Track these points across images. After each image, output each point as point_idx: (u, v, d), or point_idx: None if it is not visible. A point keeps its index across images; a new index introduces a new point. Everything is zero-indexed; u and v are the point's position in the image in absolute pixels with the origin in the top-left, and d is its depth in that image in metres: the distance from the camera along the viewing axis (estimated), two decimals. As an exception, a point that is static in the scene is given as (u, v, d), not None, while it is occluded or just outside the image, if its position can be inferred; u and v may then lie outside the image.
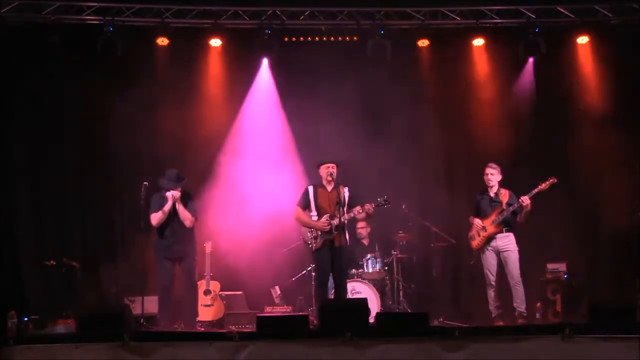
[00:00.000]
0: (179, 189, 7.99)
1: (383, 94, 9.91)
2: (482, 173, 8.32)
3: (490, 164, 8.26)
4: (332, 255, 7.71)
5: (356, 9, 9.61)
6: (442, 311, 8.85)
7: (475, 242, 8.18)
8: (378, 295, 8.71)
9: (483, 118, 9.94)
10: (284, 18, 9.59)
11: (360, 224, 9.38)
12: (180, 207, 7.94)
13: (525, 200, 7.85)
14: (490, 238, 8.07)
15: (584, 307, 6.66)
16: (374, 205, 7.77)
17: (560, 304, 8.95)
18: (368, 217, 8.16)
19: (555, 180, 7.94)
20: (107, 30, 9.13)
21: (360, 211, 7.78)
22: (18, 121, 9.46)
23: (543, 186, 7.93)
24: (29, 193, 9.44)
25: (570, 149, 9.70)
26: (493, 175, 8.18)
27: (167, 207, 7.92)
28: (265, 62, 9.88)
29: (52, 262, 8.63)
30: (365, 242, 9.50)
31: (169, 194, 7.95)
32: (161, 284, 7.93)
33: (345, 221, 7.66)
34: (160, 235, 7.99)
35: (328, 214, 7.79)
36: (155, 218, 7.94)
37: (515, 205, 7.94)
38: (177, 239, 7.94)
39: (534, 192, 7.91)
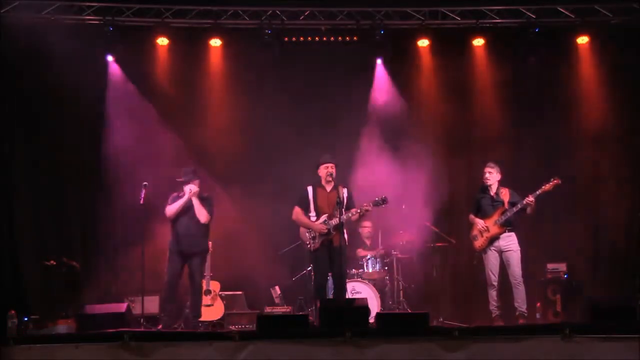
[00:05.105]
0: (197, 182, 7.97)
1: (382, 94, 9.93)
2: (482, 173, 8.32)
3: (489, 164, 8.26)
4: (331, 256, 7.70)
5: (356, 9, 9.62)
6: (442, 311, 8.85)
7: (479, 243, 8.16)
8: (378, 295, 8.72)
9: (483, 118, 9.95)
10: (284, 18, 9.60)
11: (365, 224, 9.40)
12: (196, 203, 7.90)
13: (530, 200, 7.86)
14: (493, 238, 8.06)
15: (584, 307, 6.65)
16: (371, 204, 7.78)
17: (560, 304, 8.95)
18: (364, 215, 8.09)
19: (559, 182, 7.95)
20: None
21: (358, 211, 7.78)
22: (18, 121, 9.46)
23: (547, 187, 7.93)
24: (29, 193, 9.43)
25: (570, 149, 9.71)
26: (492, 175, 8.18)
27: (184, 199, 7.88)
28: (266, 62, 9.88)
29: (52, 262, 8.62)
30: (368, 242, 9.51)
31: (187, 188, 7.92)
32: (166, 281, 7.86)
33: (344, 221, 7.65)
34: (174, 230, 7.94)
35: (326, 215, 7.78)
36: (170, 210, 7.90)
37: (519, 205, 7.94)
38: (190, 233, 7.89)
39: (538, 192, 7.90)
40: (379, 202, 7.81)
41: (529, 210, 7.97)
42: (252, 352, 5.93)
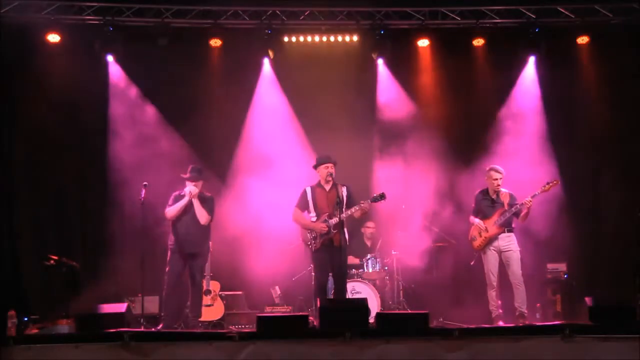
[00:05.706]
0: (198, 183, 7.97)
1: (383, 93, 9.94)
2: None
3: (497, 167, 8.21)
4: (332, 255, 7.69)
5: (356, 9, 9.62)
6: (442, 311, 8.84)
7: (477, 243, 8.17)
8: (378, 295, 8.72)
9: (483, 118, 9.95)
10: (284, 18, 9.60)
11: (368, 224, 9.42)
12: (197, 204, 7.91)
13: (528, 201, 7.85)
14: (492, 239, 8.06)
15: (584, 307, 6.65)
16: (370, 201, 7.78)
17: (560, 304, 8.95)
18: (364, 214, 8.06)
19: (558, 182, 7.95)
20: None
21: (357, 209, 7.78)
22: (18, 121, 9.46)
23: (546, 188, 7.94)
24: (29, 193, 9.43)
25: (570, 149, 9.71)
26: (501, 180, 8.15)
27: (184, 202, 7.89)
28: (266, 61, 9.89)
29: (52, 262, 8.62)
30: (369, 243, 9.51)
31: (186, 189, 7.93)
32: (167, 280, 7.86)
33: (344, 220, 7.64)
34: (174, 230, 7.95)
35: (326, 214, 7.78)
36: (170, 212, 7.92)
37: (518, 206, 7.94)
38: (190, 235, 7.90)
39: (536, 193, 7.91)
40: (377, 198, 7.81)
41: (522, 215, 7.96)
42: (252, 352, 5.93)
